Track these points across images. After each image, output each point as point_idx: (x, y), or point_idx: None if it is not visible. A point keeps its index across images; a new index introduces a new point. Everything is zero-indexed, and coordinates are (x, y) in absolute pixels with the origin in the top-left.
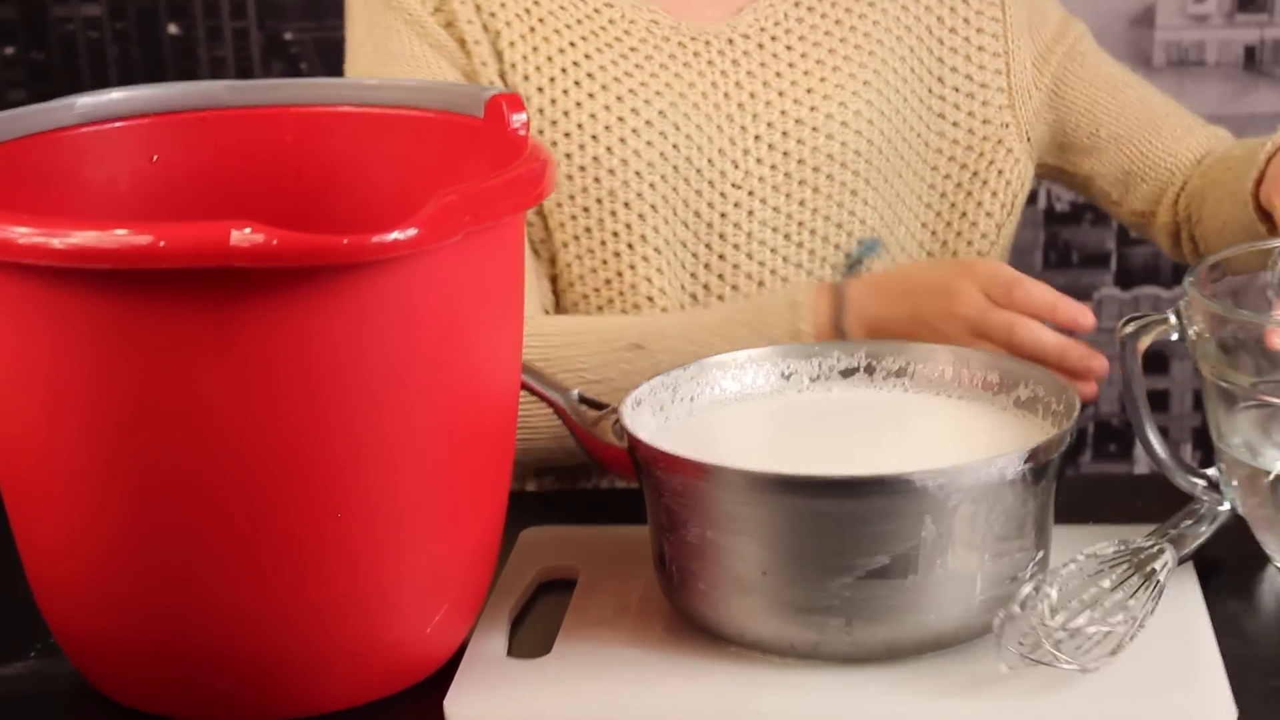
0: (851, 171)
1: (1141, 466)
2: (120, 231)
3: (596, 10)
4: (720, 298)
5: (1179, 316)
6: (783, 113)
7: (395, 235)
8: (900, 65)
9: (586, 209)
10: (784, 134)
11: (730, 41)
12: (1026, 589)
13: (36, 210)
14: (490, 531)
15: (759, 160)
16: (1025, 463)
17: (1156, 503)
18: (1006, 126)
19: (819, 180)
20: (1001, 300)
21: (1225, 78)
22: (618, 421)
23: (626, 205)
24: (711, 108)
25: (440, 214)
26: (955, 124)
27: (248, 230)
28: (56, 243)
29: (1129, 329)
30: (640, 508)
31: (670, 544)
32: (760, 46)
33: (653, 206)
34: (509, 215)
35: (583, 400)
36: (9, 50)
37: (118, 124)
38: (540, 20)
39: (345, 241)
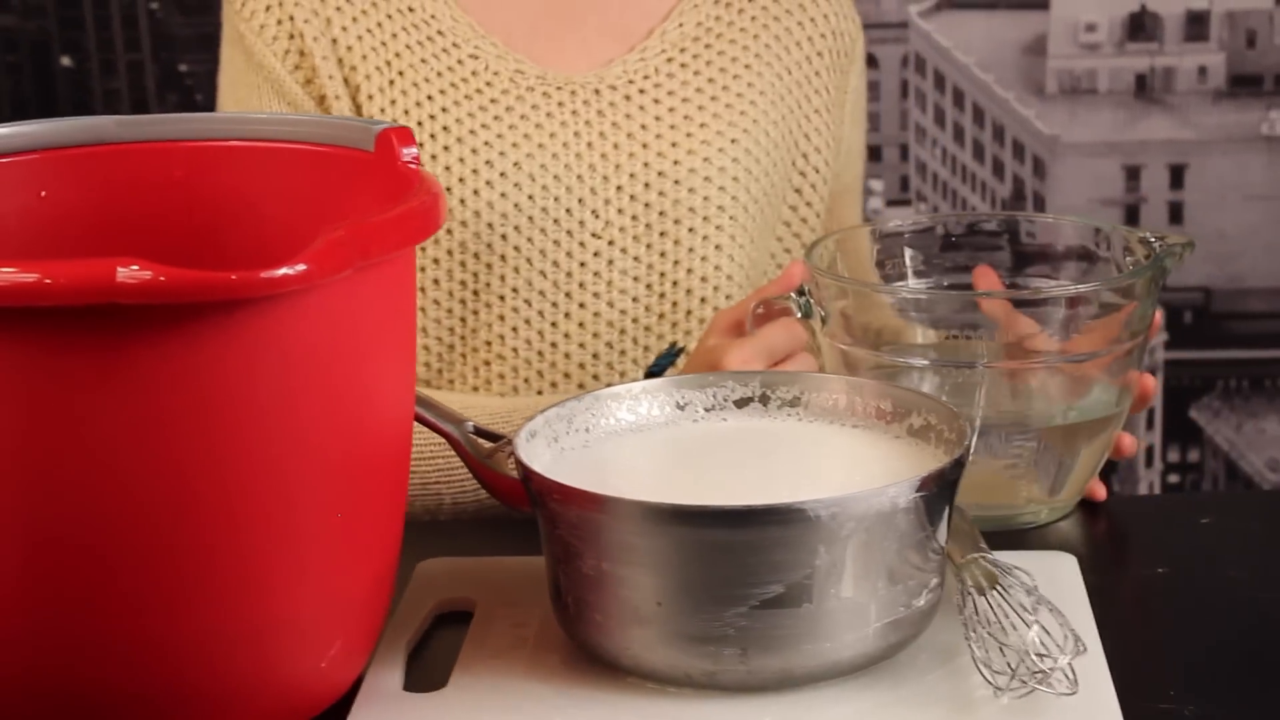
0: (714, 226)
1: None
2: (6, 269)
3: (460, 61)
4: (581, 346)
5: (804, 293)
6: (645, 164)
7: (284, 271)
8: (772, 129)
9: (436, 260)
10: (646, 185)
11: (597, 92)
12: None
13: None
14: (386, 564)
15: (620, 210)
16: (918, 490)
17: (1050, 529)
18: None
19: (680, 233)
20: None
21: (1117, 105)
22: (512, 453)
23: (476, 256)
24: (572, 157)
25: (329, 249)
26: (814, 187)
27: (134, 267)
28: None
29: (758, 309)
30: (535, 537)
31: (566, 575)
32: (627, 98)
33: (502, 257)
34: (400, 250)
35: (477, 431)
36: None
37: (5, 159)
38: (400, 73)
39: (233, 277)
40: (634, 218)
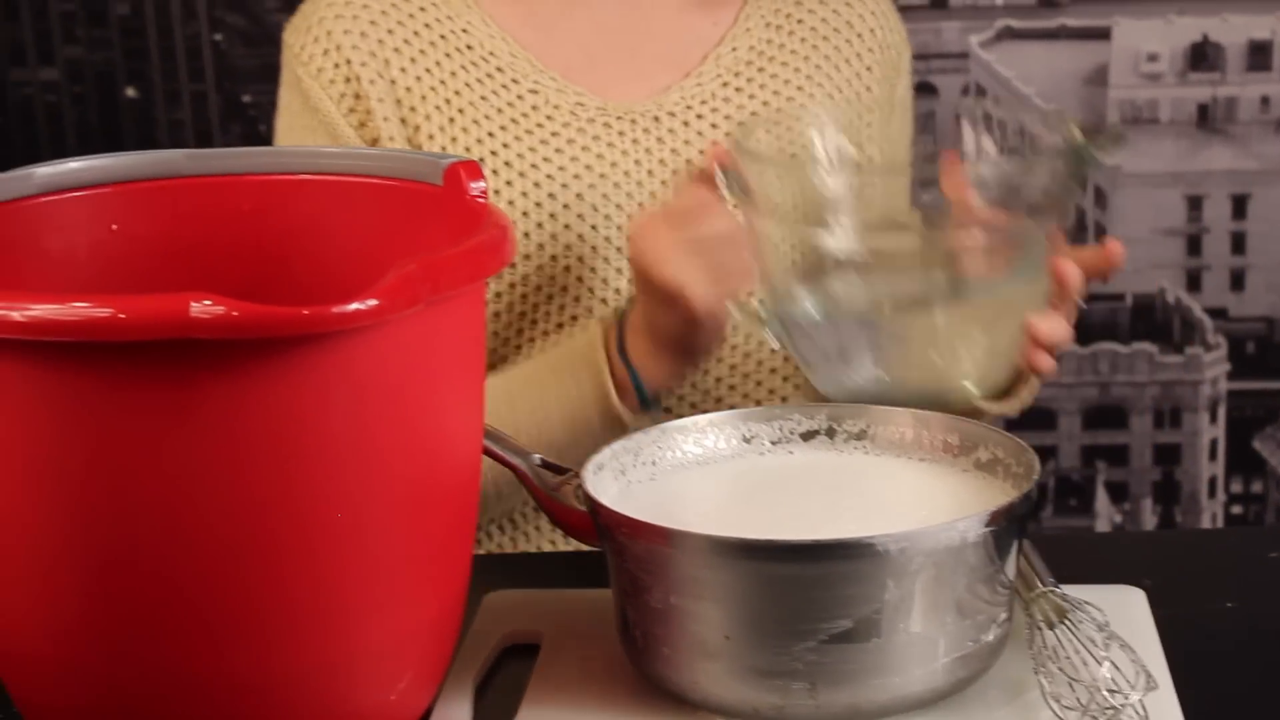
0: None
1: (1102, 521)
2: (80, 304)
3: (520, 97)
4: None
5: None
6: None
7: (355, 306)
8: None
9: (499, 294)
10: None
11: (656, 119)
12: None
13: None
14: (454, 597)
15: None
16: (987, 525)
17: (1117, 560)
18: None
19: None
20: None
21: (1179, 135)
22: (579, 486)
23: (538, 288)
24: (634, 185)
25: (400, 284)
26: None
27: (207, 302)
28: (16, 315)
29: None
30: (602, 570)
31: (634, 609)
32: (686, 124)
33: (564, 288)
34: (470, 283)
35: (544, 465)
36: None
37: (77, 193)
38: (460, 110)
39: (305, 313)
40: None
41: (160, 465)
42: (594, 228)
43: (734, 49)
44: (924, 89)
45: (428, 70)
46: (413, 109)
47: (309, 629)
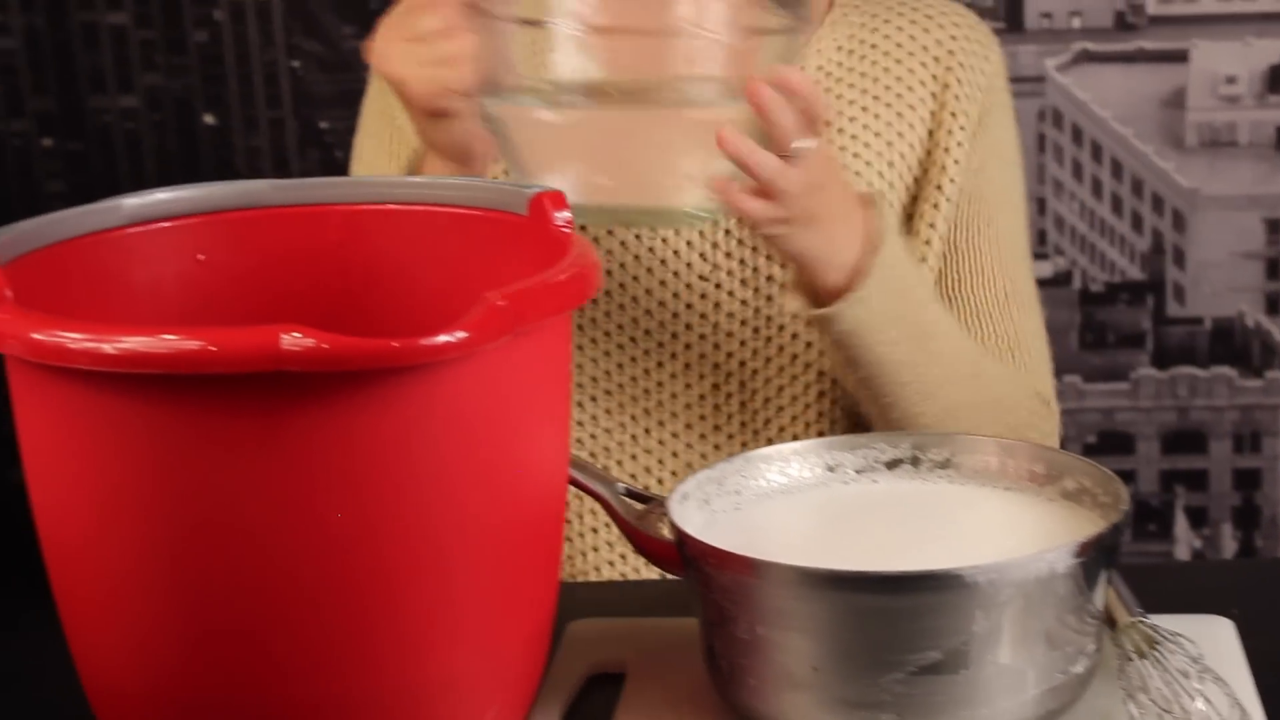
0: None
1: (1181, 547)
2: (169, 336)
3: None
4: (688, 386)
5: None
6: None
7: (444, 338)
8: (887, 170)
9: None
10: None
11: None
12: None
13: (83, 312)
14: (540, 626)
15: (727, 254)
16: (1076, 556)
17: (1202, 589)
18: None
19: (784, 274)
20: None
21: (1258, 158)
22: (664, 515)
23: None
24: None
25: (488, 316)
26: (933, 225)
27: (297, 335)
28: (107, 348)
29: None
30: (687, 598)
31: (720, 639)
32: None
33: (607, 293)
34: (557, 314)
35: (629, 493)
36: (47, 142)
37: (164, 224)
38: None
39: (395, 345)
40: (741, 261)
41: (247, 495)
42: (638, 236)
43: (802, 68)
44: None
45: None
46: None
47: (394, 659)
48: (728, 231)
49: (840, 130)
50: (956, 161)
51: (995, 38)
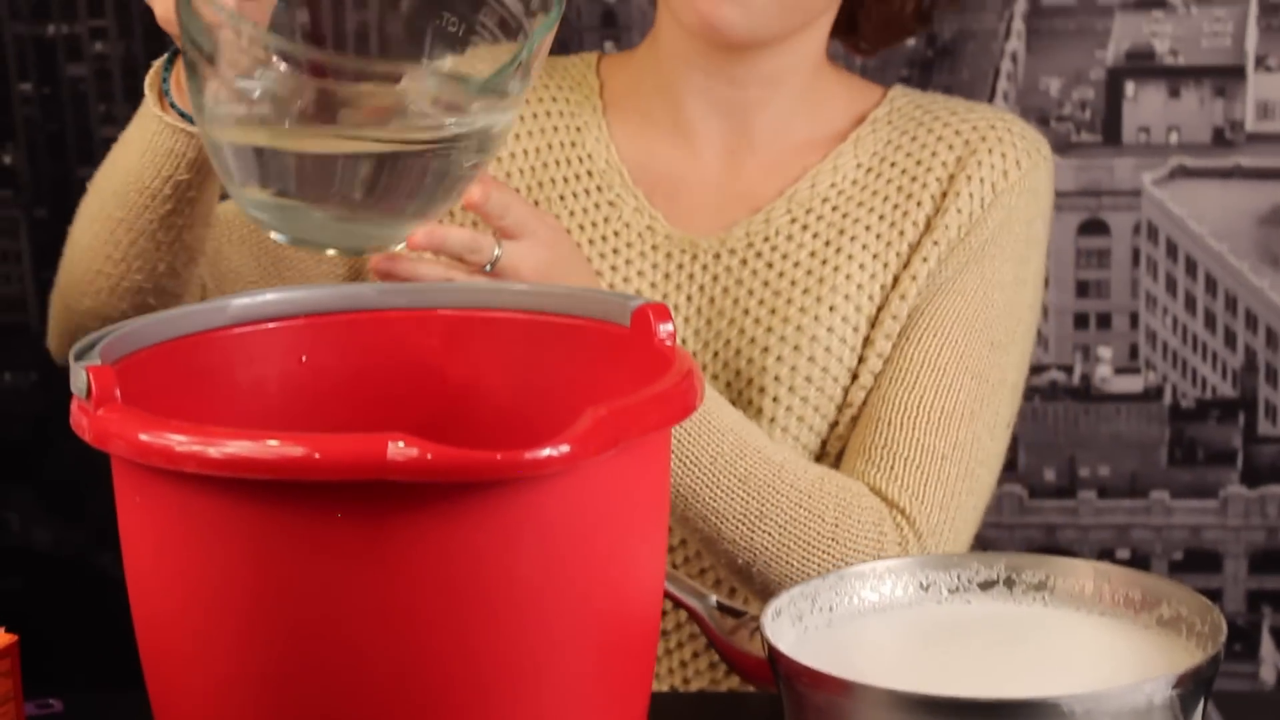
0: (799, 397)
1: (1267, 668)
2: (273, 443)
3: (597, 205)
4: None
5: None
6: (741, 331)
7: (548, 452)
8: (866, 303)
9: None
10: (737, 352)
11: (716, 256)
12: None
13: (187, 412)
14: None
15: (714, 376)
16: (1174, 688)
17: None
18: None
19: (764, 401)
20: None
21: None
22: (756, 630)
23: None
24: (680, 320)
25: (593, 430)
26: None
27: (401, 444)
28: (213, 452)
29: None
30: (775, 711)
31: None
32: (744, 262)
33: None
34: (659, 430)
35: (720, 607)
36: None
37: (270, 325)
38: (538, 201)
39: (498, 458)
40: (727, 384)
41: (346, 601)
42: None
43: (813, 185)
44: (1096, 227)
45: (525, 151)
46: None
47: None
48: (716, 354)
49: (838, 250)
50: (914, 278)
51: (1039, 158)
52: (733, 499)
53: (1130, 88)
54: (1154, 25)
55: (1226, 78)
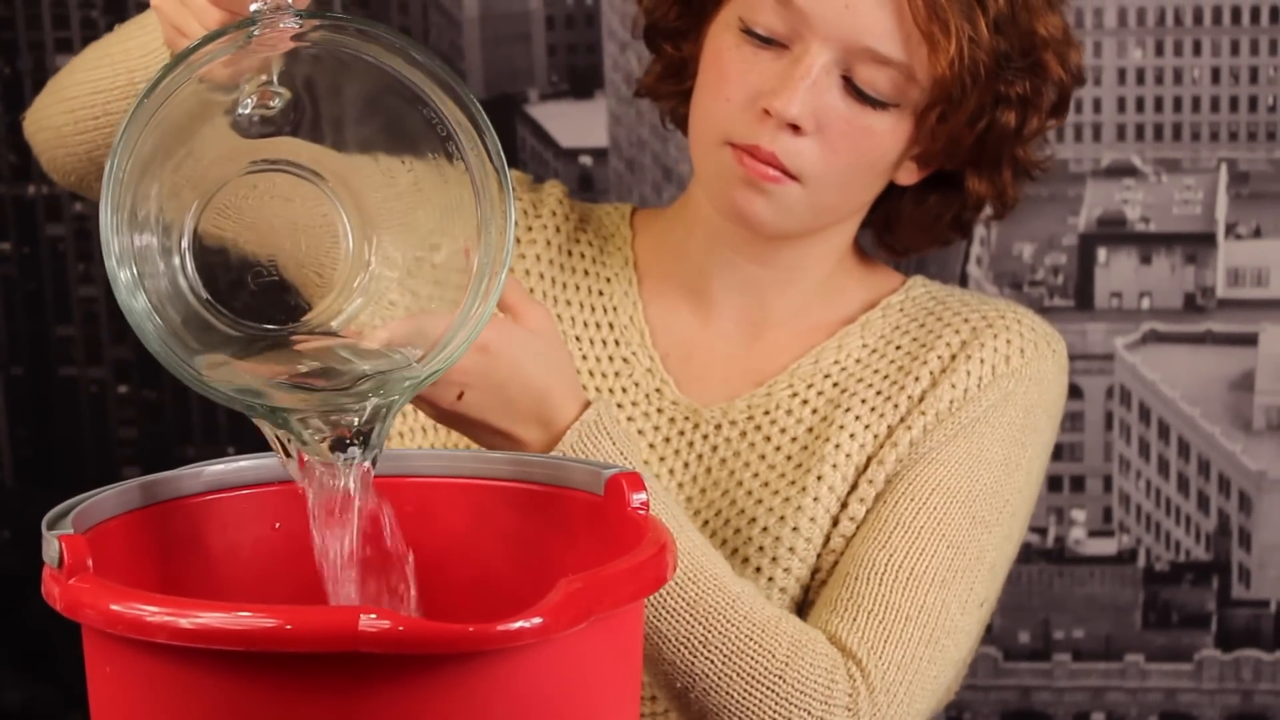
0: (781, 568)
1: None
2: (245, 614)
3: (611, 358)
4: None
5: None
6: (733, 502)
7: (520, 624)
8: (852, 472)
9: None
10: (726, 522)
11: (718, 427)
12: None
13: (159, 580)
14: None
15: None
16: None
17: None
18: None
19: (748, 571)
20: None
21: None
22: None
23: None
24: (674, 487)
25: (566, 602)
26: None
27: (373, 616)
28: (184, 623)
29: None
30: None
31: None
32: (743, 434)
33: None
34: (631, 602)
35: None
36: (122, 389)
37: (243, 491)
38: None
39: (470, 630)
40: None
41: None
42: None
43: (816, 361)
44: (1069, 391)
45: (546, 294)
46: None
47: None
48: (706, 523)
49: (831, 423)
50: (894, 444)
51: (1047, 350)
52: (676, 621)
53: (1102, 254)
54: (1125, 193)
55: (1197, 244)
